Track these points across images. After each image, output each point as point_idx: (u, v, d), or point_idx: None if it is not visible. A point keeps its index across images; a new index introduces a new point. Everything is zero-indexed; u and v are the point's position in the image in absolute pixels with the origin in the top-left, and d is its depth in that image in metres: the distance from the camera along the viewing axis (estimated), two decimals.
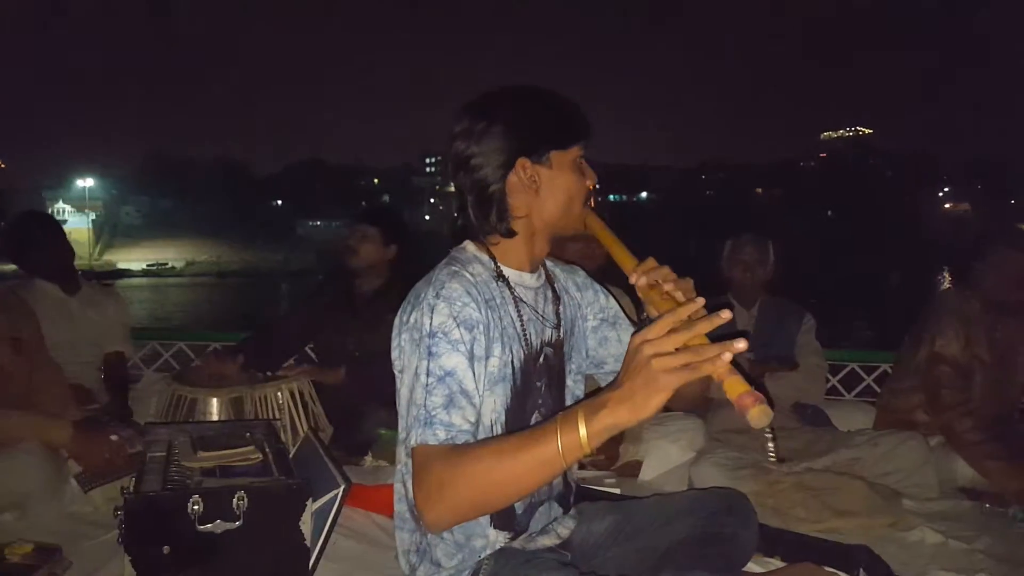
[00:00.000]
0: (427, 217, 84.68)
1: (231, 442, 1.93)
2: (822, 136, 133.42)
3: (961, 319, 2.70)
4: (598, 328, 1.57)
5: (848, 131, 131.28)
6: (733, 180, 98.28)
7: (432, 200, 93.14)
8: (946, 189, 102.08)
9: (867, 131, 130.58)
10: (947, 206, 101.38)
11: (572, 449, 1.05)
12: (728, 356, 0.94)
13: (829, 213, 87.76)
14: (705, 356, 0.96)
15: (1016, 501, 2.49)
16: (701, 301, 1.04)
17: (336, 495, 1.82)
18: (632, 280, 1.23)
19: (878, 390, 3.17)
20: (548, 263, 1.55)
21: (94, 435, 2.30)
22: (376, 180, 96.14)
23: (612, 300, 1.60)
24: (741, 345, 0.95)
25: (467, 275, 1.33)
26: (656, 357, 0.98)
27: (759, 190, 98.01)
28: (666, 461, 2.74)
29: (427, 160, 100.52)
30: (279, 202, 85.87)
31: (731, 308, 3.16)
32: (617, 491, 2.44)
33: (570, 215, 1.41)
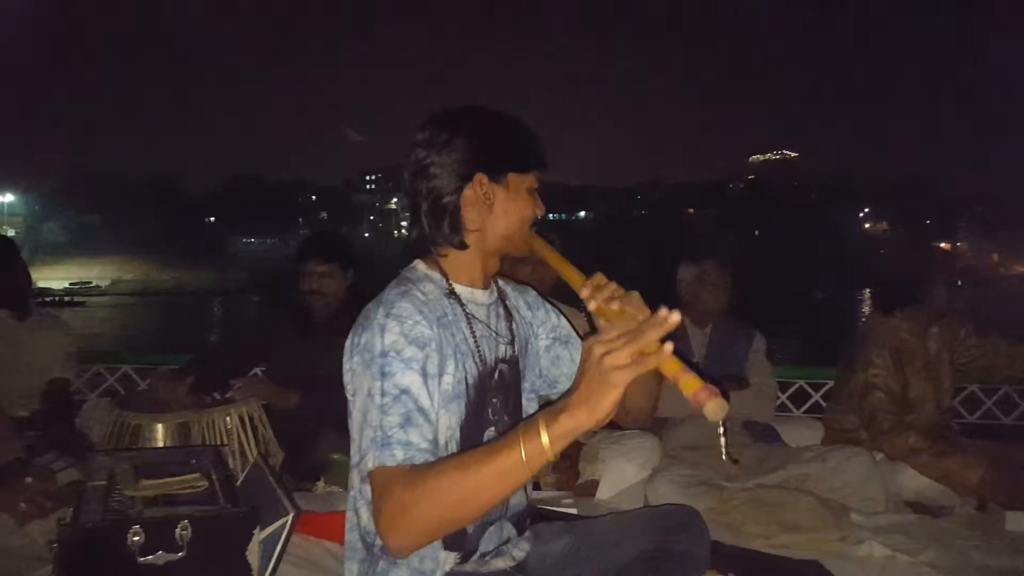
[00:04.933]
0: (366, 235, 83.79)
1: (176, 469, 1.87)
2: (750, 159, 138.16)
3: (888, 345, 2.88)
4: (550, 347, 1.58)
5: (775, 154, 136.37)
6: (667, 200, 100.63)
7: (371, 217, 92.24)
8: (866, 210, 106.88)
9: (792, 155, 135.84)
10: (867, 226, 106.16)
11: (536, 456, 1.07)
12: (669, 345, 0.98)
13: (757, 233, 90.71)
14: (648, 343, 0.99)
15: (973, 493, 2.64)
16: (647, 312, 1.08)
17: (285, 523, 1.78)
18: (583, 296, 1.25)
19: (825, 406, 3.28)
20: (500, 281, 1.56)
21: (8, 482, 2.18)
22: (314, 197, 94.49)
23: (563, 319, 1.61)
24: (675, 318, 1.00)
25: (418, 293, 1.34)
26: (607, 355, 1.01)
27: (691, 210, 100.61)
28: (623, 479, 2.77)
29: (368, 177, 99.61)
30: (212, 219, 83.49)
31: (684, 327, 3.23)
32: (574, 511, 2.43)
33: (519, 237, 1.44)
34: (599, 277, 1.27)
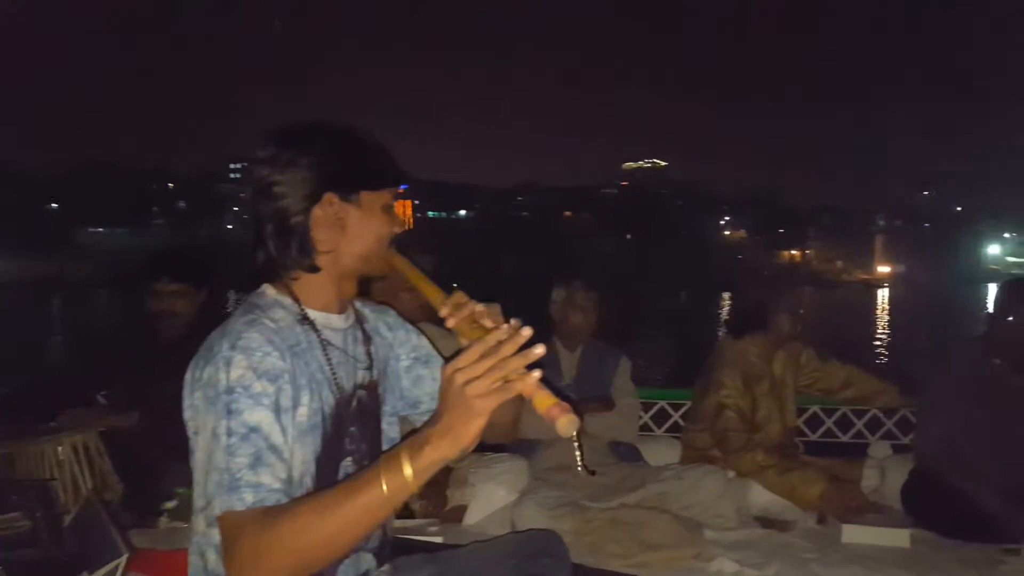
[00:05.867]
0: (230, 226, 79.75)
1: None
2: (623, 166, 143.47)
3: (738, 367, 3.06)
4: (411, 367, 1.55)
5: (646, 162, 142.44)
6: (545, 202, 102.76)
7: (236, 208, 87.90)
8: (727, 218, 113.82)
9: (662, 163, 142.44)
10: (727, 233, 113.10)
11: (399, 490, 1.05)
12: (537, 373, 0.99)
13: (628, 237, 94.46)
14: (512, 370, 0.99)
15: (814, 507, 2.82)
16: (506, 327, 1.06)
17: (117, 565, 1.65)
18: (442, 314, 1.22)
19: (683, 426, 3.43)
20: (357, 304, 1.51)
21: None
22: (171, 185, 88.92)
23: (424, 339, 1.59)
24: (539, 350, 1.00)
25: (267, 322, 1.26)
26: (468, 384, 1.00)
27: (568, 213, 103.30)
28: (491, 504, 2.77)
29: (231, 166, 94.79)
30: (55, 206, 76.79)
31: (556, 350, 3.28)
32: (439, 539, 2.39)
33: (376, 257, 1.39)
34: (459, 295, 1.24)
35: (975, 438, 2.76)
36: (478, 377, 1.00)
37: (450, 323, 1.20)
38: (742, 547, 2.59)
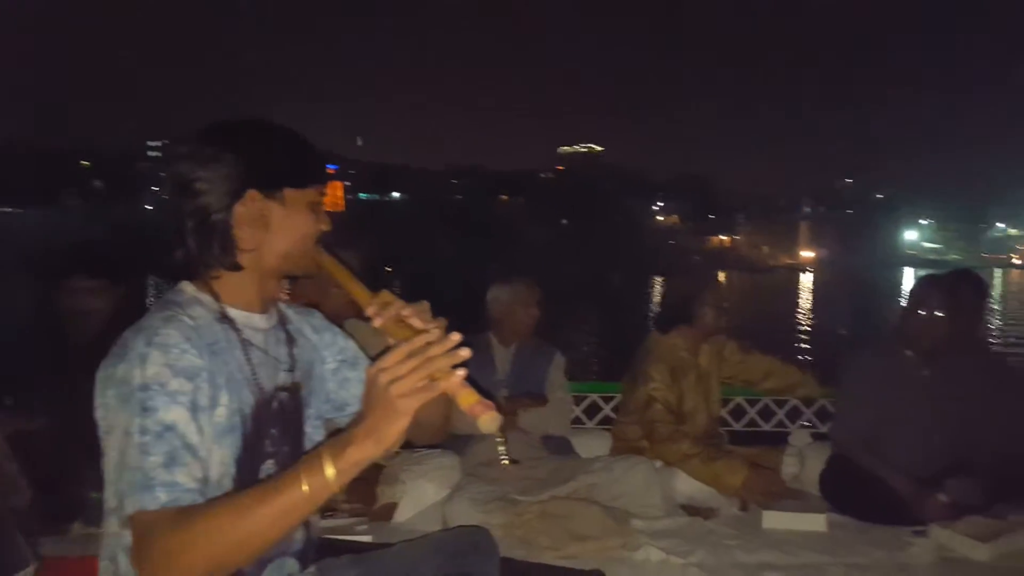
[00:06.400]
0: (149, 207, 76.39)
1: None
2: (559, 150, 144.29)
3: (666, 360, 3.12)
4: (338, 370, 1.52)
5: (582, 147, 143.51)
6: (480, 185, 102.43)
7: (155, 189, 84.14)
8: (660, 203, 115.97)
9: (598, 148, 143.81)
10: (660, 218, 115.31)
11: (320, 491, 1.04)
12: (462, 371, 1.00)
13: (564, 221, 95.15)
14: (437, 370, 1.00)
15: (737, 494, 2.90)
16: (435, 329, 1.07)
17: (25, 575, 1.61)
18: (368, 313, 1.21)
19: (614, 418, 3.49)
20: (281, 305, 1.47)
21: None
22: (87, 163, 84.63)
23: (351, 341, 1.57)
24: (465, 352, 1.01)
25: (186, 319, 1.23)
26: (392, 383, 1.00)
27: (504, 197, 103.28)
28: (422, 500, 2.75)
29: (149, 143, 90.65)
30: None
31: (491, 346, 3.30)
32: (368, 538, 2.36)
33: (302, 255, 1.36)
34: (385, 295, 1.22)
35: (887, 426, 2.90)
36: (402, 377, 1.00)
37: (376, 323, 1.19)
38: (668, 535, 2.65)
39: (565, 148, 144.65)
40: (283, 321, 1.45)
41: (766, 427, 3.74)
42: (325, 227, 1.38)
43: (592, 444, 3.38)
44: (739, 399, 3.71)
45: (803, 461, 3.21)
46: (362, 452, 1.03)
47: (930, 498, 2.72)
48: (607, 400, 3.70)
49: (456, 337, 1.03)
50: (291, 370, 1.40)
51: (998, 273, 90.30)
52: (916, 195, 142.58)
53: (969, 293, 3.13)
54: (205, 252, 1.28)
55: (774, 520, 2.76)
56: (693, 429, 3.10)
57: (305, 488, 1.03)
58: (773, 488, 2.91)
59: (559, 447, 3.14)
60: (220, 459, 1.22)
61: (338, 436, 1.06)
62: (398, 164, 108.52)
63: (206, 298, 1.30)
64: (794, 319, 30.34)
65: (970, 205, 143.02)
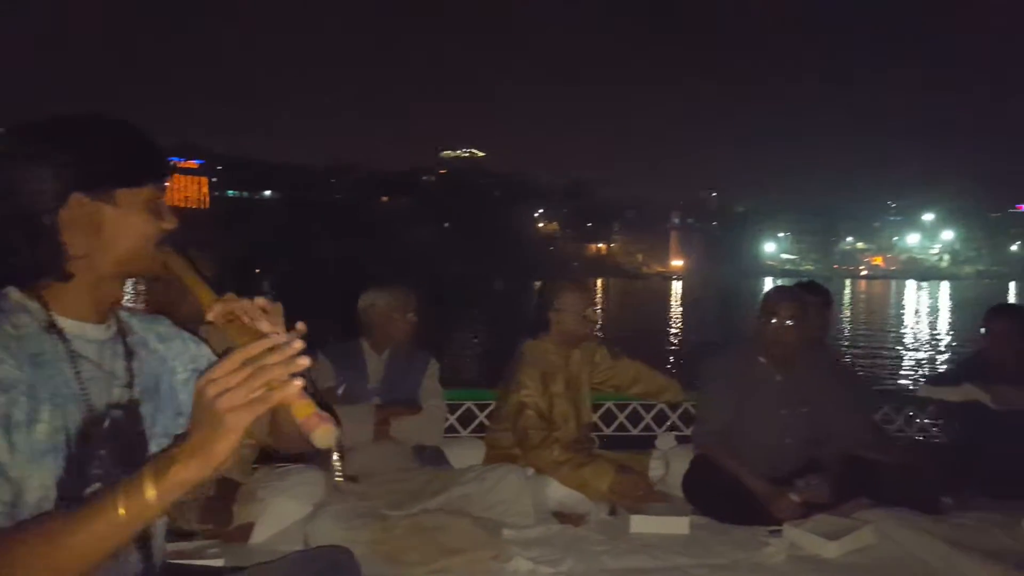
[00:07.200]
0: None
1: None
2: (442, 154, 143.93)
3: (537, 367, 3.14)
4: (189, 380, 1.40)
5: (464, 152, 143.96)
6: (361, 185, 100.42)
7: None
8: (541, 210, 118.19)
9: (480, 153, 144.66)
10: (540, 225, 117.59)
11: (138, 515, 0.94)
12: (299, 382, 0.91)
13: (447, 225, 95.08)
14: (272, 380, 0.91)
15: (605, 499, 2.93)
16: (275, 335, 0.99)
17: None
18: (209, 317, 1.11)
19: (488, 426, 3.46)
20: (124, 313, 1.35)
21: None
22: None
23: (205, 348, 1.45)
24: (304, 361, 0.93)
25: (8, 327, 1.13)
26: (221, 396, 0.91)
27: (385, 198, 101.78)
28: (282, 519, 2.59)
29: None
30: None
31: (362, 353, 3.20)
32: (220, 562, 2.19)
33: (142, 258, 1.25)
34: (230, 297, 1.13)
35: (743, 429, 3.04)
36: (231, 388, 0.91)
37: (219, 327, 1.09)
38: (539, 544, 2.63)
39: (447, 152, 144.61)
40: (123, 331, 1.33)
41: (635, 431, 3.83)
42: (169, 226, 1.28)
43: (466, 453, 3.33)
44: (609, 404, 3.78)
45: (668, 464, 3.30)
46: (187, 472, 0.93)
47: (783, 498, 2.86)
48: (482, 407, 3.66)
49: (298, 344, 0.94)
50: (128, 385, 1.28)
51: (848, 283, 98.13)
52: (775, 209, 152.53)
53: (815, 302, 3.35)
54: (29, 259, 1.17)
55: (641, 524, 2.80)
56: (565, 435, 3.11)
57: (122, 512, 0.94)
58: (640, 492, 2.96)
59: (432, 457, 3.08)
60: (40, 481, 1.11)
61: (165, 452, 0.97)
62: (275, 161, 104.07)
63: (33, 306, 1.19)
64: (666, 325, 31.69)
65: (823, 220, 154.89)
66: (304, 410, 0.91)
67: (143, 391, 1.31)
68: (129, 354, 1.31)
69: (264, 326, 1.08)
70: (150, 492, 0.93)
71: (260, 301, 1.12)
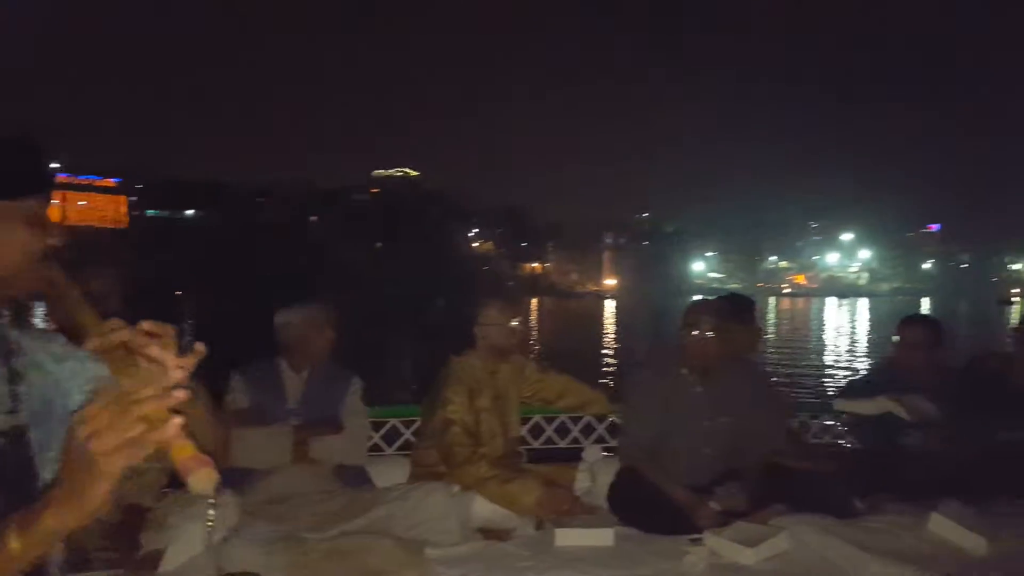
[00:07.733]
0: None
1: None
2: (373, 173, 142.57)
3: (463, 382, 3.13)
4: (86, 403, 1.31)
5: (397, 171, 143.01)
6: (290, 204, 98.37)
7: None
8: (476, 230, 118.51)
9: (415, 173, 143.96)
10: (475, 244, 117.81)
11: (5, 567, 0.88)
12: (179, 419, 0.84)
13: (379, 244, 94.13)
14: (146, 418, 0.83)
15: (531, 513, 2.92)
16: (156, 365, 0.90)
17: None
18: (88, 347, 1.04)
19: (413, 443, 3.42)
20: (14, 332, 1.27)
21: None
22: None
23: (105, 368, 1.36)
24: (180, 395, 0.85)
25: None
26: (92, 438, 0.83)
27: (315, 217, 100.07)
28: (193, 545, 2.47)
29: None
30: None
31: (280, 373, 3.11)
32: None
33: (20, 276, 1.19)
34: (115, 323, 1.04)
35: (665, 439, 3.08)
36: (103, 430, 0.83)
37: (99, 355, 1.01)
38: (464, 561, 2.59)
39: (380, 171, 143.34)
40: (9, 354, 1.24)
41: (562, 444, 3.82)
42: (53, 239, 1.21)
43: (390, 472, 3.27)
44: (537, 417, 3.78)
45: (595, 476, 3.31)
46: (56, 521, 0.86)
47: (703, 506, 2.91)
48: (408, 424, 3.61)
49: (178, 375, 0.88)
50: (12, 411, 1.20)
51: (772, 300, 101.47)
52: (703, 229, 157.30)
53: (736, 314, 3.43)
54: None
55: (566, 537, 2.79)
56: (492, 451, 3.09)
57: None
58: (565, 505, 2.96)
59: (354, 478, 3.01)
60: None
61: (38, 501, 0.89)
62: (198, 180, 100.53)
63: None
64: (600, 342, 32.10)
65: (748, 239, 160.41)
66: (182, 451, 0.84)
67: (32, 415, 1.23)
68: (15, 377, 1.23)
69: (153, 353, 1.00)
70: (14, 544, 0.87)
71: (146, 325, 1.02)
